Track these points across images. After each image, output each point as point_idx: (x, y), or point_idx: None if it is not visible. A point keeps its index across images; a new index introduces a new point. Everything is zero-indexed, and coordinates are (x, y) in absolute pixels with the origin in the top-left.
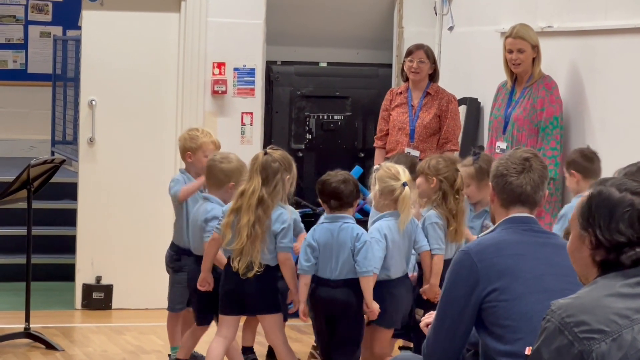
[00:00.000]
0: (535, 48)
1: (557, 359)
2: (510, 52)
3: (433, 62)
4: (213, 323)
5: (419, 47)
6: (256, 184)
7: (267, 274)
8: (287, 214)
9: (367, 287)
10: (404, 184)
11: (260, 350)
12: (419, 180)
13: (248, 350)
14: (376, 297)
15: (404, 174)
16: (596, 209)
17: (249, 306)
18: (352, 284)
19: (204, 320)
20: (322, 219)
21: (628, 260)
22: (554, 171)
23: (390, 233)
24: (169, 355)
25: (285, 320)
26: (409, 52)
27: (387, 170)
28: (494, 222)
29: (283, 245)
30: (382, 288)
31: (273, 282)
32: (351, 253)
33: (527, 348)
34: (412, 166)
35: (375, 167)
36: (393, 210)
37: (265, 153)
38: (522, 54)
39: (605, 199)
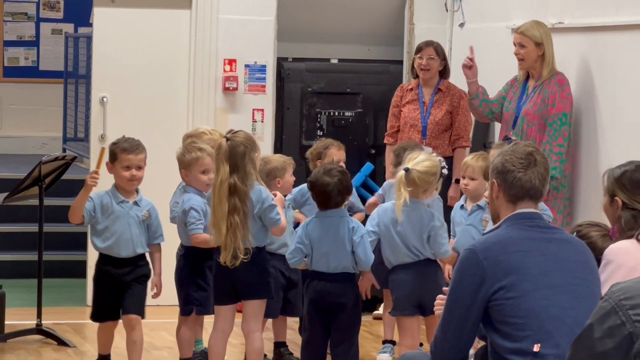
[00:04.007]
0: (540, 46)
1: (608, 338)
2: (515, 46)
3: (443, 58)
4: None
5: (429, 43)
6: (223, 173)
7: (255, 258)
8: (265, 191)
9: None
10: (405, 169)
11: (269, 345)
12: None
13: (281, 345)
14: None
15: (415, 160)
16: None
17: (240, 292)
18: (348, 279)
19: (185, 310)
20: (315, 213)
21: None
22: (558, 169)
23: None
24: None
25: (297, 315)
26: (419, 49)
27: (409, 157)
28: (496, 219)
29: (273, 222)
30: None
31: (261, 265)
32: (348, 246)
33: (536, 345)
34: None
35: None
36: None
37: (228, 139)
38: (522, 50)
39: None
